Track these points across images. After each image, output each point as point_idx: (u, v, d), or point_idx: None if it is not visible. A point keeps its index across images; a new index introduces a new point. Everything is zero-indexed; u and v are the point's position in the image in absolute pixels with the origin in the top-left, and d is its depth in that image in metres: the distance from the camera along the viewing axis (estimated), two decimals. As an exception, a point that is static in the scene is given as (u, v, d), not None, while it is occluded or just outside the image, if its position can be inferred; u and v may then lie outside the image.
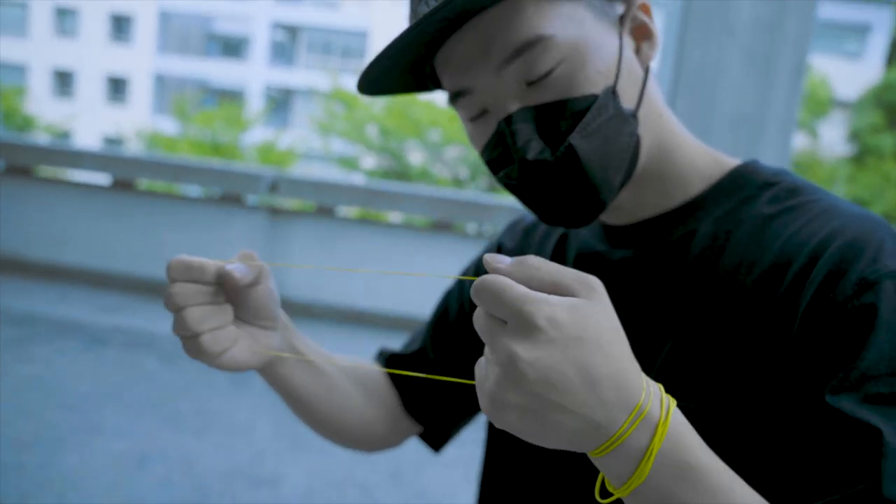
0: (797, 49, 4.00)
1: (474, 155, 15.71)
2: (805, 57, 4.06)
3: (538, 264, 0.45)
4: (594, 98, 0.58)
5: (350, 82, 18.33)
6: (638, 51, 0.63)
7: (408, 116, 15.56)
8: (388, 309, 5.18)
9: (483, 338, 0.45)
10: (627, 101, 0.60)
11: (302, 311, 5.30)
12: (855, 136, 23.50)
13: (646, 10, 0.63)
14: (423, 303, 5.18)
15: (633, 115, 0.61)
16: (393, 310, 5.17)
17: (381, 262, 5.19)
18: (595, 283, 0.45)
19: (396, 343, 0.98)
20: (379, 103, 16.16)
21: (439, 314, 0.89)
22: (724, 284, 0.61)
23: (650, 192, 0.66)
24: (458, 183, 16.22)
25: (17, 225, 5.40)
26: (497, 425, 0.45)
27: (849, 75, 23.36)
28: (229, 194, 5.24)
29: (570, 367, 0.42)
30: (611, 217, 0.69)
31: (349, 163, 16.83)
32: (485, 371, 0.45)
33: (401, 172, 16.23)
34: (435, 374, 0.84)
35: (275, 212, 5.26)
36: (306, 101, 26.47)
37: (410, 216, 5.38)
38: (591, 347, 0.42)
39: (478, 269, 0.85)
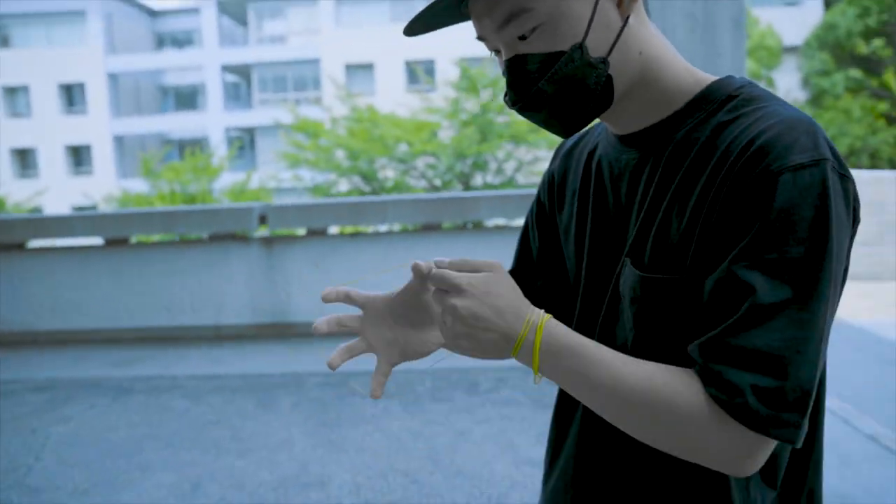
0: (733, 2, 4.24)
1: (445, 163, 15.92)
2: (743, 8, 4.30)
3: (462, 262, 0.77)
4: (562, 53, 0.78)
5: (310, 112, 18.51)
6: (620, 3, 0.78)
7: (373, 135, 15.71)
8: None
9: (436, 305, 0.78)
10: (599, 50, 0.78)
11: (307, 333, 5.46)
12: (807, 79, 23.99)
13: None
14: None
15: (603, 61, 0.79)
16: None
17: (379, 269, 5.36)
18: (495, 264, 0.77)
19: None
20: (341, 126, 16.33)
21: (527, 225, 1.07)
22: (688, 178, 0.79)
23: (640, 107, 0.84)
24: (434, 191, 16.39)
25: (20, 300, 5.52)
26: (454, 351, 0.78)
27: (793, 21, 23.84)
28: (221, 233, 5.40)
29: (485, 307, 0.74)
30: (618, 128, 0.88)
31: (322, 191, 16.94)
32: (441, 321, 0.77)
33: (376, 191, 16.38)
34: (536, 275, 1.03)
35: (268, 241, 5.42)
36: (270, 137, 26.59)
37: (399, 223, 5.55)
38: (493, 295, 0.74)
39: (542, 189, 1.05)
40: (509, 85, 0.81)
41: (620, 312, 0.85)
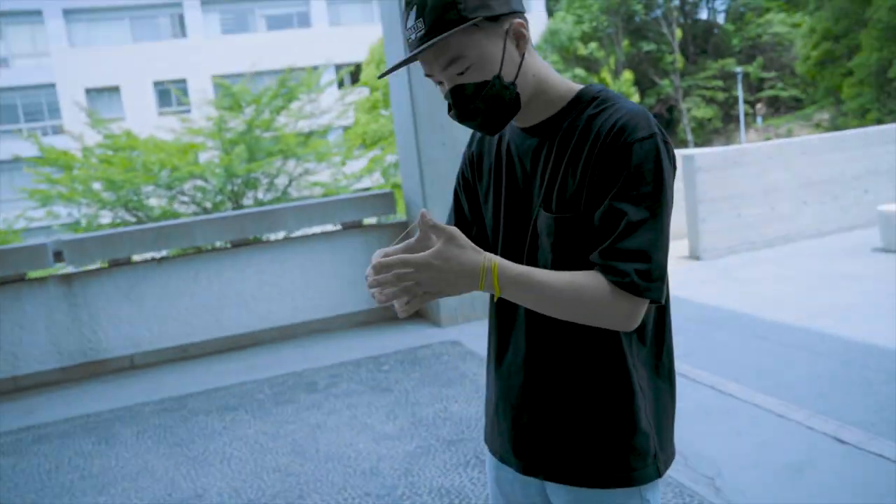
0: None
1: (216, 185, 15.43)
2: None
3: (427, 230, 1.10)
4: (487, 82, 1.17)
5: (56, 142, 16.93)
6: (518, 45, 1.19)
7: (133, 164, 14.80)
8: (209, 337, 5.36)
9: (418, 277, 1.06)
10: (509, 77, 1.19)
11: (125, 367, 5.26)
12: (541, 79, 26.80)
13: (520, 24, 1.16)
14: (241, 323, 5.37)
15: (513, 83, 1.19)
16: (216, 336, 5.36)
17: (196, 290, 5.33)
18: (446, 233, 1.07)
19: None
20: (95, 156, 15.18)
21: (456, 193, 1.43)
22: (576, 151, 1.20)
23: (536, 109, 1.24)
24: (206, 213, 15.84)
25: None
26: (439, 297, 1.09)
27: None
28: (10, 276, 5.00)
29: (451, 268, 1.06)
30: (522, 123, 1.28)
31: (80, 229, 15.58)
32: (425, 288, 1.08)
33: (142, 221, 15.44)
34: (471, 226, 1.39)
35: (66, 278, 5.12)
36: (4, 173, 23.67)
37: (208, 243, 5.54)
38: (453, 257, 1.06)
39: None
40: (454, 105, 1.19)
41: (540, 245, 1.24)
